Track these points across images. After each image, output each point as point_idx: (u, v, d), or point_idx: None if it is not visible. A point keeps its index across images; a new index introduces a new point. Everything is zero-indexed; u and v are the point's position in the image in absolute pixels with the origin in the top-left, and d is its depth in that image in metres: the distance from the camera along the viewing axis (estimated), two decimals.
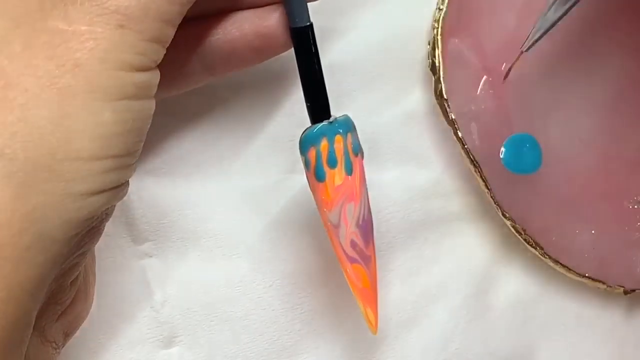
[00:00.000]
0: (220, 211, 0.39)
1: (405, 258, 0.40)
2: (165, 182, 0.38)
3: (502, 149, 0.38)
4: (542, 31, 0.36)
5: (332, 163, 0.32)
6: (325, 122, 0.32)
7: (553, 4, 0.36)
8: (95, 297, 0.33)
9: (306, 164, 0.32)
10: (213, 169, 0.39)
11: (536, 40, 0.36)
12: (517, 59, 0.37)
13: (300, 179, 0.38)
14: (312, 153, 0.32)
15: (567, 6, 0.36)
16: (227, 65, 0.34)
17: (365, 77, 0.40)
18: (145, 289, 0.38)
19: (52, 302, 0.29)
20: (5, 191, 0.24)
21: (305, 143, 0.32)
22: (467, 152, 0.39)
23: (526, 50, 0.37)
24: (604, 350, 0.42)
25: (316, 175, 0.32)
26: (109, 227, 0.29)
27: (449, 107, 0.38)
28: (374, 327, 0.33)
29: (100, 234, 0.29)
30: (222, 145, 0.39)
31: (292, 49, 0.32)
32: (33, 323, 0.27)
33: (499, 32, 0.39)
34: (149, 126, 0.28)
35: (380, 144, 0.40)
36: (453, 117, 0.38)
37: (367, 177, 0.33)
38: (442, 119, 0.39)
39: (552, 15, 0.36)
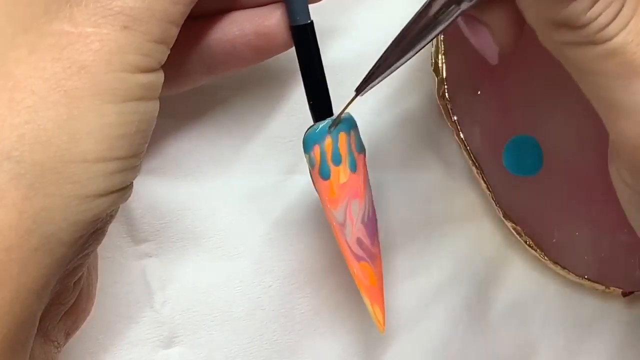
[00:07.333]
0: (220, 211, 0.39)
1: (406, 258, 0.40)
2: (165, 182, 0.38)
3: (504, 151, 0.39)
4: (381, 77, 0.31)
5: (337, 160, 0.32)
6: (328, 120, 0.32)
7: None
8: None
9: (310, 163, 0.32)
10: (213, 169, 0.38)
11: (373, 86, 0.31)
12: (352, 101, 0.32)
13: (300, 179, 0.38)
14: (316, 151, 0.32)
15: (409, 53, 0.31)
16: (227, 65, 0.34)
17: None
18: (145, 289, 0.38)
19: (56, 302, 0.29)
20: (12, 193, 0.24)
21: (309, 141, 0.32)
22: (469, 153, 0.39)
23: (361, 95, 0.32)
24: (604, 350, 0.42)
25: (321, 173, 0.32)
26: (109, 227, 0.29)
27: (451, 109, 0.38)
28: (381, 325, 0.33)
29: (104, 235, 0.29)
30: (222, 145, 0.39)
31: (292, 48, 0.32)
32: (38, 323, 0.27)
33: None
34: (153, 127, 0.28)
35: (382, 144, 0.40)
36: (455, 118, 0.39)
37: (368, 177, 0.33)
38: (444, 119, 0.39)
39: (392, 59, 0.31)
